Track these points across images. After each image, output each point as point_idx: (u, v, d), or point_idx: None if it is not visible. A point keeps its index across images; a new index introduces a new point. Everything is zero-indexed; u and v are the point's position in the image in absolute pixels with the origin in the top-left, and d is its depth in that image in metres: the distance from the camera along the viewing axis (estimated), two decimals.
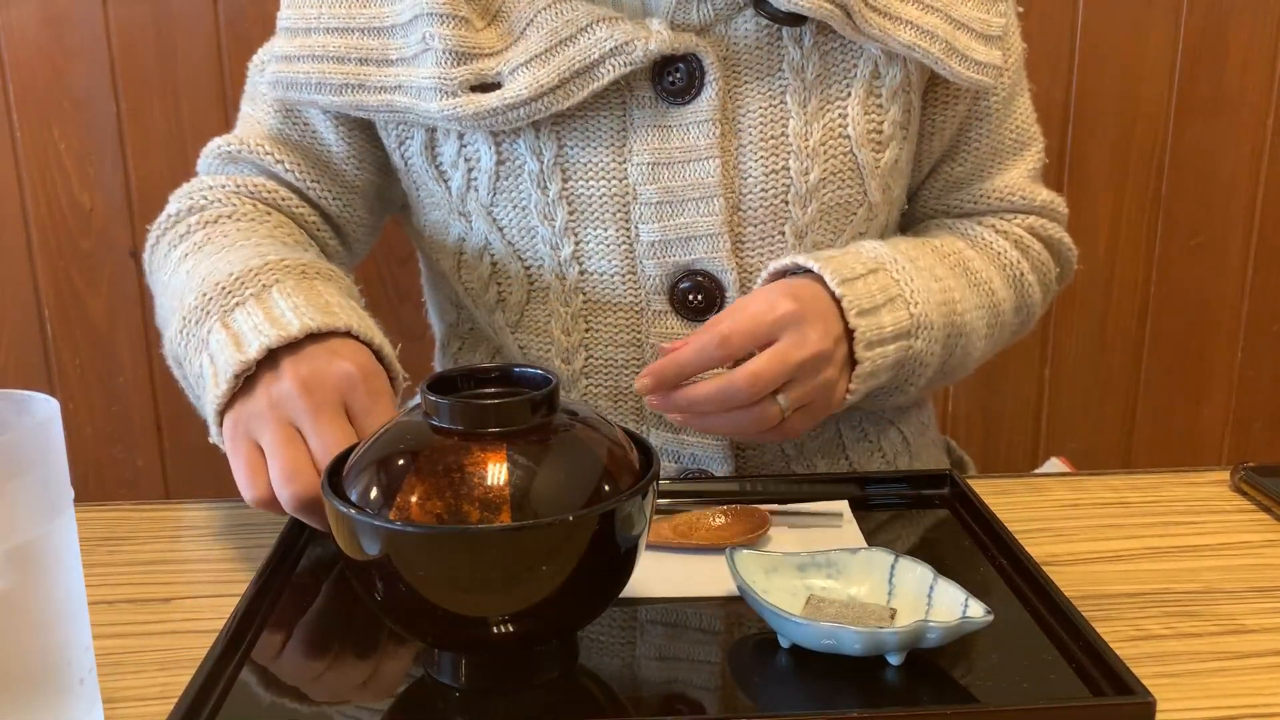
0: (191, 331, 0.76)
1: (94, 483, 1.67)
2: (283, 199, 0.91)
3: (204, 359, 0.73)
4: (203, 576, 0.73)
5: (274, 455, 0.67)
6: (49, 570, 0.53)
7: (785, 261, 0.81)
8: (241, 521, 0.80)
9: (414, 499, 0.54)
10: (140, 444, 1.67)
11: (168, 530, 0.79)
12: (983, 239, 0.93)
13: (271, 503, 0.68)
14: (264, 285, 0.75)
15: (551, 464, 0.56)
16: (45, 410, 0.53)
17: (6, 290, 1.61)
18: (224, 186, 0.91)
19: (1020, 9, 0.94)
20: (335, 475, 0.59)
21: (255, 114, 0.93)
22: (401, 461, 0.56)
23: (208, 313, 0.75)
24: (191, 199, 0.90)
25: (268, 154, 0.91)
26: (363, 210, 0.95)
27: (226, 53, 1.54)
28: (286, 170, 0.91)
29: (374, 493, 0.56)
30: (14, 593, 0.51)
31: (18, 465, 0.50)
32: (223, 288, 0.76)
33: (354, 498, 0.56)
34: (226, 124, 1.56)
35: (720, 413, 0.75)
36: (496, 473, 0.55)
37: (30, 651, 0.52)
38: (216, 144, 0.93)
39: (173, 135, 1.57)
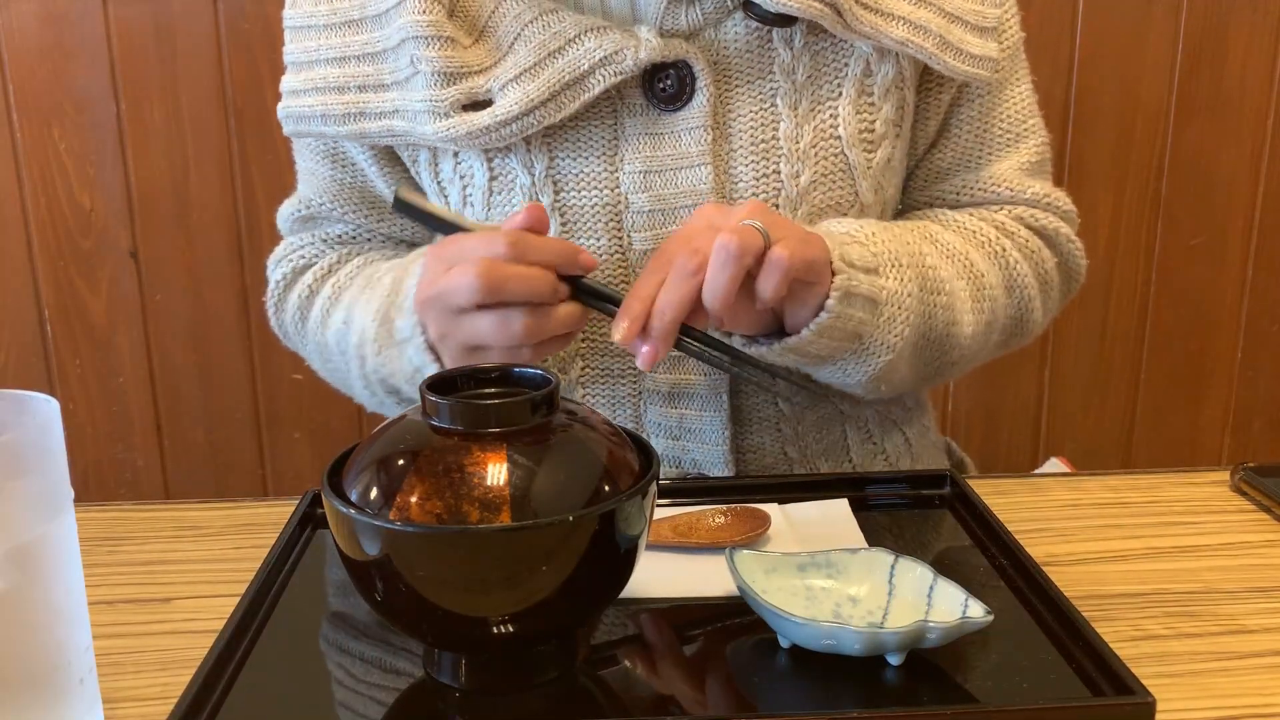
0: (385, 351, 0.81)
1: (94, 483, 1.67)
2: (366, 237, 0.96)
3: (397, 350, 0.80)
4: (203, 576, 0.73)
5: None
6: (49, 570, 0.53)
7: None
8: (241, 521, 0.80)
9: (414, 499, 0.54)
10: (140, 444, 1.67)
11: (168, 530, 0.79)
12: (955, 220, 0.90)
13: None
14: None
15: (551, 464, 0.56)
16: (45, 410, 0.53)
17: (6, 290, 1.61)
18: (312, 245, 0.96)
19: None
20: (335, 475, 0.59)
21: (308, 165, 0.95)
22: (401, 461, 0.56)
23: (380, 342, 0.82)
24: (292, 263, 0.96)
25: (331, 210, 0.94)
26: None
27: (226, 53, 1.54)
28: (352, 223, 0.95)
29: (374, 493, 0.56)
30: (14, 593, 0.51)
31: (18, 465, 0.51)
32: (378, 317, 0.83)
33: (354, 498, 0.56)
34: (226, 124, 1.57)
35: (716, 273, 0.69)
36: (496, 473, 0.55)
37: (30, 651, 0.52)
38: (288, 209, 0.96)
39: (173, 135, 1.57)
